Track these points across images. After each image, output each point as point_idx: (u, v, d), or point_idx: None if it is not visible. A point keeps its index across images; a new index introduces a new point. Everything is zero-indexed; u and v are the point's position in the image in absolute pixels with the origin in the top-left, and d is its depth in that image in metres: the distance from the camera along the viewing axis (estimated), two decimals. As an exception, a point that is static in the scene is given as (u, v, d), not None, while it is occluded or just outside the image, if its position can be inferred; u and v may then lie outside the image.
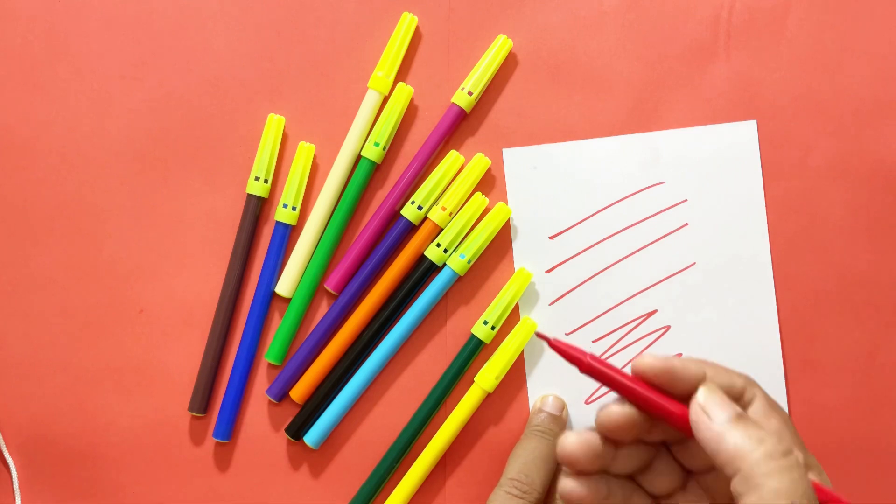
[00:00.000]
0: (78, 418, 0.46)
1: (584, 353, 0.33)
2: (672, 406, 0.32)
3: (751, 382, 0.33)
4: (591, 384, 0.45)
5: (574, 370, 0.46)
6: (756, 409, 0.33)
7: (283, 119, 0.46)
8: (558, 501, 0.42)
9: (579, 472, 0.33)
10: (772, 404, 0.33)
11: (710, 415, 0.31)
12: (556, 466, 0.43)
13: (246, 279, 0.46)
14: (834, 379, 0.46)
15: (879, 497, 0.46)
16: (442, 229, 0.45)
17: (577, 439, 0.33)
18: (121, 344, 0.46)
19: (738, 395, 0.33)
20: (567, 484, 0.33)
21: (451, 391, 0.45)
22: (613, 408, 0.33)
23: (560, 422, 0.44)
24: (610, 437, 0.33)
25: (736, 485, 0.30)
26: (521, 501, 0.41)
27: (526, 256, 0.46)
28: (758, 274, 0.46)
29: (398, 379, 0.46)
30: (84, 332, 0.46)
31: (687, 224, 0.46)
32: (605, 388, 0.46)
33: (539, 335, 0.34)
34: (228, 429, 0.45)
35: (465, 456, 0.46)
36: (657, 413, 0.32)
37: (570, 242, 0.46)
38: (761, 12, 0.46)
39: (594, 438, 0.33)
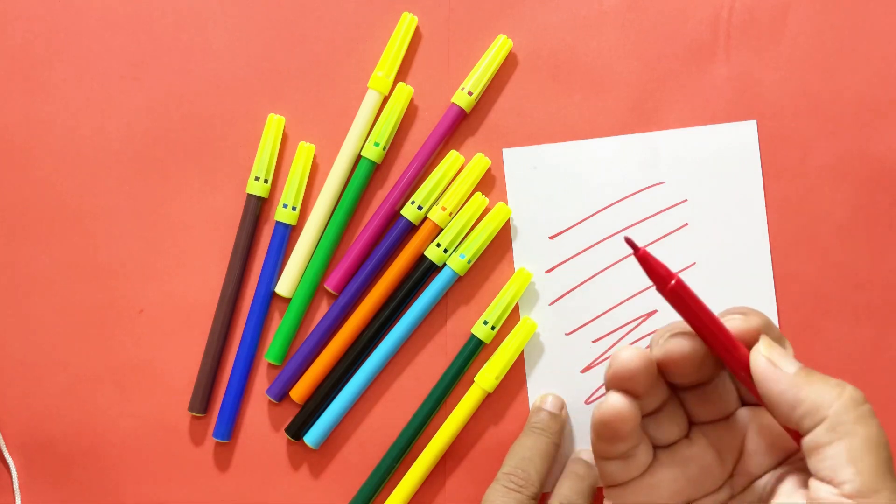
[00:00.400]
0: (78, 418, 0.46)
1: (672, 275, 0.31)
2: (742, 350, 0.31)
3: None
4: (591, 385, 0.45)
5: (573, 372, 0.46)
6: None
7: (283, 119, 0.46)
8: (556, 502, 0.42)
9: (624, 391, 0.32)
10: None
11: (780, 366, 0.30)
12: (553, 464, 0.43)
13: (246, 279, 0.46)
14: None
15: (879, 497, 0.46)
16: (442, 229, 0.45)
17: (637, 352, 0.31)
18: (121, 344, 0.46)
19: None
20: (615, 398, 0.31)
21: (451, 391, 0.45)
22: (683, 339, 0.32)
23: (559, 420, 0.44)
24: (665, 367, 0.32)
25: (820, 434, 0.28)
26: (517, 495, 0.40)
27: (526, 256, 0.46)
28: (758, 274, 0.46)
29: (398, 379, 0.46)
30: (84, 332, 0.46)
31: (687, 224, 0.46)
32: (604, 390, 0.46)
33: (628, 241, 0.32)
34: (228, 429, 0.45)
35: (465, 456, 0.46)
36: (724, 354, 0.31)
37: (570, 242, 0.46)
38: (761, 12, 0.46)
39: (650, 356, 0.32)
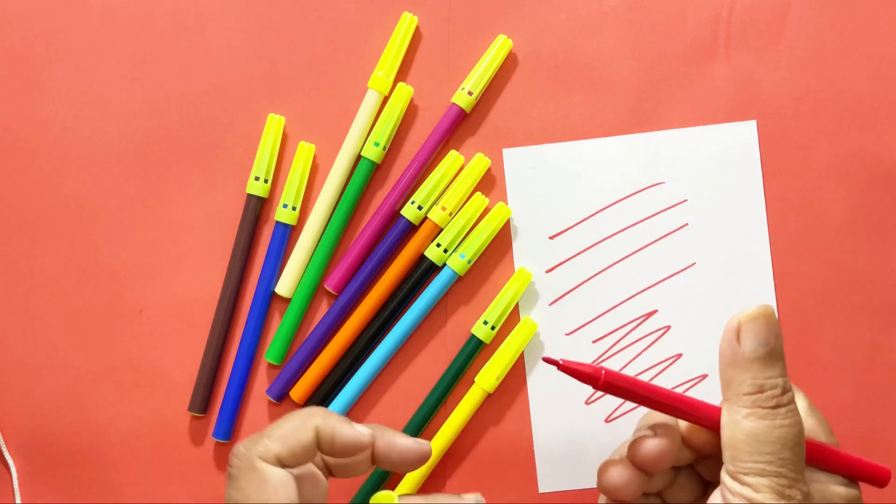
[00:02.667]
0: (78, 418, 0.46)
1: (599, 370, 0.32)
2: (703, 408, 0.32)
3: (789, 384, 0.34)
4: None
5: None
6: (801, 409, 0.33)
7: (283, 119, 0.46)
8: None
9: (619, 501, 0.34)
10: (810, 405, 0.34)
11: (741, 341, 0.31)
12: None
13: (246, 279, 0.46)
14: (834, 379, 0.46)
15: (879, 497, 0.46)
16: (442, 229, 0.45)
17: (620, 474, 0.33)
18: (121, 344, 0.46)
19: None
20: None
21: (451, 391, 0.45)
22: (648, 443, 0.33)
23: None
24: (646, 469, 0.33)
25: (722, 410, 0.31)
26: None
27: (526, 256, 0.46)
28: (758, 274, 0.46)
29: (398, 379, 0.46)
30: (84, 332, 0.46)
31: (687, 224, 0.46)
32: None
33: (546, 360, 0.32)
34: (228, 429, 0.45)
35: (465, 456, 0.46)
36: (688, 418, 0.32)
37: (570, 242, 0.46)
38: (761, 12, 0.46)
39: (633, 471, 0.33)
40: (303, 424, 0.32)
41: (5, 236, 0.47)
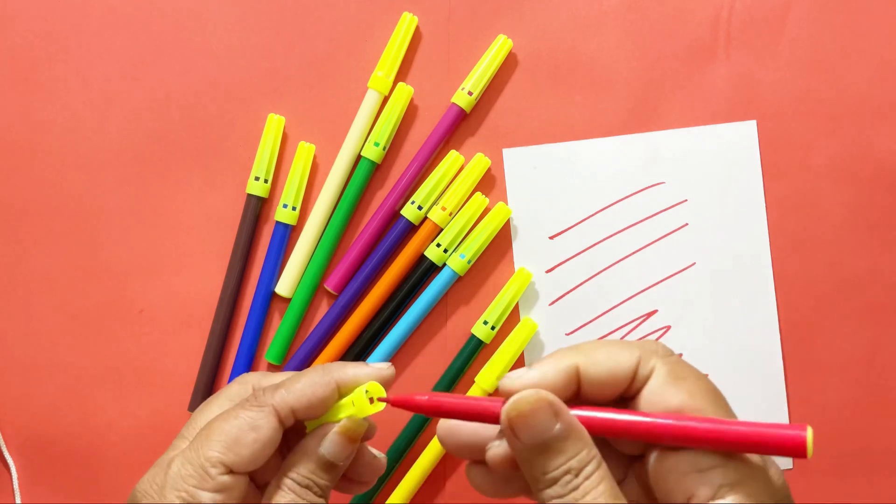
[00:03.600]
0: (78, 418, 0.46)
1: (422, 394, 0.31)
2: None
3: (648, 353, 0.29)
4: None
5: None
6: (654, 385, 0.29)
7: (283, 119, 0.46)
8: None
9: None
10: (677, 374, 0.29)
11: (518, 435, 0.28)
12: None
13: (246, 279, 0.46)
14: (834, 379, 0.46)
15: (879, 497, 0.46)
16: (442, 229, 0.45)
17: (481, 475, 0.32)
18: (121, 344, 0.46)
19: (628, 376, 0.29)
20: (470, 475, 0.32)
21: (452, 391, 0.45)
22: (493, 446, 0.30)
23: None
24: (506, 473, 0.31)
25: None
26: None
27: (526, 256, 0.46)
28: (758, 274, 0.46)
29: (398, 379, 0.46)
30: (84, 332, 0.46)
31: (687, 224, 0.46)
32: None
33: (379, 399, 0.31)
34: (228, 429, 0.45)
35: (465, 456, 0.46)
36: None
37: (570, 242, 0.46)
38: (761, 12, 0.46)
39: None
40: (322, 379, 0.32)
41: (5, 236, 0.47)
